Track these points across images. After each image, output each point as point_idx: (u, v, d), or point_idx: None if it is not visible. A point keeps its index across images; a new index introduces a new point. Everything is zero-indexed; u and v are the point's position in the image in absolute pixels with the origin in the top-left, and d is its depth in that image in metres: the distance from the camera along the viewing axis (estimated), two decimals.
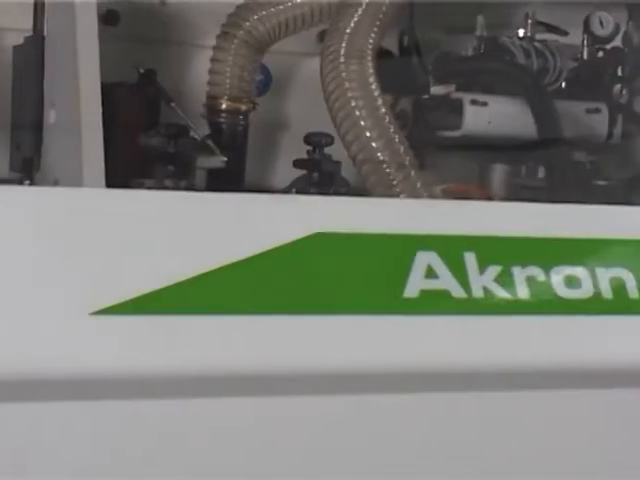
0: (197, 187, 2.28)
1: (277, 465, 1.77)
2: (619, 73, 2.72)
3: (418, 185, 2.21)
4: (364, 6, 2.33)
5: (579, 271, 1.90)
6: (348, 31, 2.32)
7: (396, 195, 2.19)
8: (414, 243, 1.81)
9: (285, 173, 2.58)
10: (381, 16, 2.32)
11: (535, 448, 1.91)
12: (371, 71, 2.27)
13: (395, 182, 2.21)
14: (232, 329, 1.68)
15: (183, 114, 2.43)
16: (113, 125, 2.35)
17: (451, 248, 1.83)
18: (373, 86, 2.26)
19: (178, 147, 2.28)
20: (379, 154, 2.22)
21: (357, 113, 2.23)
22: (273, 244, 1.72)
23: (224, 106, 2.44)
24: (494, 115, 2.51)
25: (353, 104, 2.24)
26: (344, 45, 2.30)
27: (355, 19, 2.33)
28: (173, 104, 2.43)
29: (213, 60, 2.44)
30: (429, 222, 1.85)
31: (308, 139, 2.41)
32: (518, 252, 1.88)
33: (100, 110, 2.03)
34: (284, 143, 2.71)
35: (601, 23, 2.65)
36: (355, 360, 1.75)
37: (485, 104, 2.51)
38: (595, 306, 1.90)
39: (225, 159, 2.39)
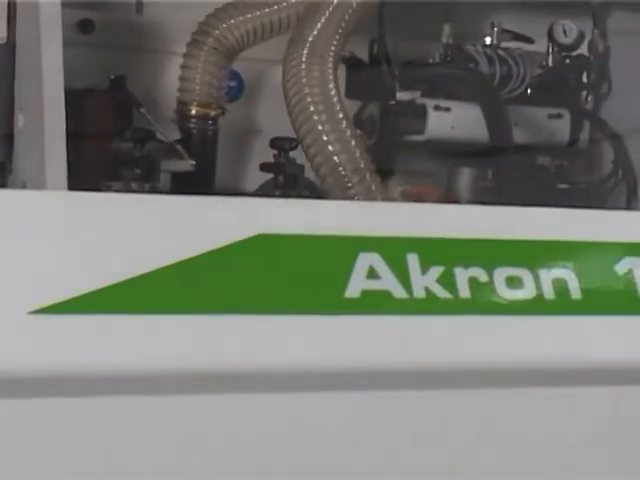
0: (162, 190, 2.24)
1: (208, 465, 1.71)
2: (583, 80, 2.66)
3: (373, 188, 2.15)
4: (327, 14, 2.28)
5: (522, 272, 1.84)
6: (310, 38, 2.26)
7: (351, 197, 2.13)
8: (356, 244, 1.75)
9: (257, 177, 2.54)
10: (343, 24, 2.27)
11: (473, 447, 1.85)
12: (331, 77, 2.22)
13: (350, 185, 2.15)
14: (170, 328, 1.63)
15: (152, 119, 2.37)
16: (84, 129, 2.34)
17: (394, 249, 1.77)
18: (333, 92, 2.20)
19: (144, 151, 2.24)
20: (335, 157, 2.16)
21: (315, 117, 2.17)
22: (214, 245, 1.67)
23: (194, 112, 2.39)
24: (457, 120, 2.46)
25: (312, 109, 2.18)
26: (306, 52, 2.25)
27: (318, 26, 2.27)
28: (143, 109, 2.37)
29: (183, 67, 2.39)
30: (372, 224, 1.78)
31: (274, 143, 2.36)
32: (461, 253, 1.81)
33: (63, 114, 1.98)
34: (257, 148, 2.65)
35: (564, 32, 2.59)
36: (296, 359, 1.70)
37: (448, 109, 2.46)
38: (537, 307, 1.84)
39: (193, 163, 2.34)
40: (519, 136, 2.52)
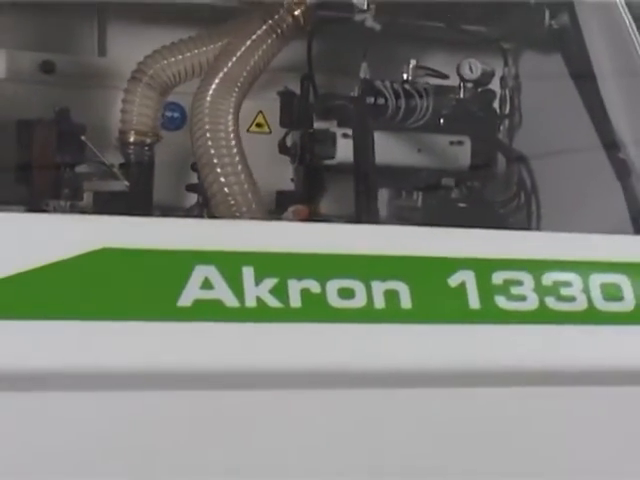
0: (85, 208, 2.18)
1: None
2: (495, 111, 2.51)
3: (258, 213, 2.05)
4: (237, 56, 2.19)
5: (354, 284, 1.71)
6: (220, 75, 2.17)
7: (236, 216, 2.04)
8: (194, 258, 1.65)
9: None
10: (250, 65, 2.19)
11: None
12: (231, 111, 2.14)
13: (237, 211, 2.07)
14: (16, 333, 1.54)
15: (92, 146, 2.30)
16: (32, 154, 2.28)
17: (230, 263, 1.67)
18: (230, 126, 2.14)
19: (73, 174, 2.18)
20: (226, 188, 2.10)
21: (212, 151, 2.12)
22: (62, 257, 1.58)
23: (132, 139, 2.32)
24: None
25: (210, 143, 2.13)
26: (212, 88, 2.16)
27: (228, 65, 2.19)
28: (83, 137, 2.30)
29: (123, 101, 2.33)
30: (211, 239, 1.68)
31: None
32: (296, 267, 1.70)
33: None
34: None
35: (470, 68, 2.44)
36: (129, 362, 1.59)
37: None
38: (366, 315, 1.70)
39: (127, 184, 2.27)
40: (423, 160, 2.39)
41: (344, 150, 2.33)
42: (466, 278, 1.79)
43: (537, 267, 1.84)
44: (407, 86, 2.39)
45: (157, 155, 2.36)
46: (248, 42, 2.22)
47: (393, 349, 1.72)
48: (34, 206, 2.24)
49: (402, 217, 2.49)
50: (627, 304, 1.86)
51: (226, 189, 2.08)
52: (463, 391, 1.76)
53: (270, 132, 2.54)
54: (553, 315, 1.82)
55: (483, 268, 1.81)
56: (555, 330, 1.82)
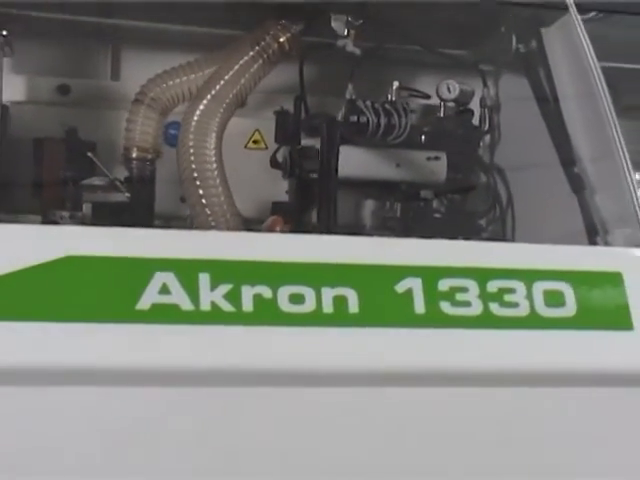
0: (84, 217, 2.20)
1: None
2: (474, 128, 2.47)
3: (228, 216, 2.06)
4: (223, 81, 2.19)
5: (305, 290, 1.70)
6: (208, 97, 2.17)
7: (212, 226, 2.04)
8: (154, 265, 1.66)
9: None
10: (235, 91, 2.20)
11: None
12: (215, 129, 2.14)
13: (213, 221, 2.08)
14: None
15: (97, 161, 2.32)
16: (43, 169, 2.31)
17: (188, 270, 1.67)
18: (212, 143, 2.14)
19: (76, 186, 2.21)
20: (203, 200, 2.11)
21: (193, 166, 2.13)
22: (28, 263, 1.59)
23: (134, 155, 2.33)
24: (344, 162, 2.28)
25: (192, 158, 2.14)
26: (201, 107, 2.16)
27: (216, 88, 2.19)
28: (89, 154, 2.32)
29: (127, 120, 2.34)
30: (171, 248, 1.68)
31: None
32: (251, 274, 1.69)
33: None
34: None
35: (448, 89, 2.40)
36: (89, 360, 1.60)
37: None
38: (315, 319, 1.69)
39: (128, 195, 2.28)
40: (402, 174, 2.36)
41: None
42: (413, 285, 1.76)
43: (483, 275, 1.80)
44: (387, 106, 2.36)
45: (158, 169, 2.38)
46: (236, 67, 2.23)
47: (340, 351, 1.70)
48: (45, 216, 2.29)
49: (382, 227, 2.47)
50: (568, 310, 1.82)
51: (204, 200, 2.09)
52: (406, 390, 1.74)
53: (266, 148, 2.54)
54: (496, 320, 1.78)
55: (430, 276, 1.78)
56: (497, 334, 1.78)
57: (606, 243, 2.00)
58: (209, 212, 2.06)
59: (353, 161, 2.31)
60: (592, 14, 2.18)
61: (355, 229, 2.45)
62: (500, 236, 2.44)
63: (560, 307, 1.82)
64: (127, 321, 1.61)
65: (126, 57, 2.60)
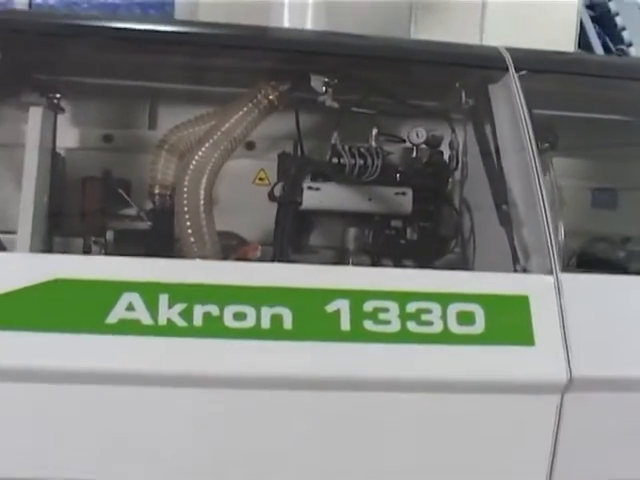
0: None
1: None
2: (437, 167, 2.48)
3: (208, 246, 2.13)
4: (223, 129, 2.27)
5: (247, 309, 1.77)
6: (207, 144, 2.25)
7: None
8: (123, 287, 1.76)
9: None
10: (230, 138, 2.27)
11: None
12: (208, 171, 2.21)
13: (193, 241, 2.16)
14: None
15: (127, 197, 2.43)
16: (83, 202, 2.42)
17: (150, 291, 1.77)
18: (204, 182, 2.20)
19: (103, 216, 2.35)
20: (190, 230, 2.18)
21: (184, 202, 2.19)
22: (27, 284, 1.71)
23: (157, 191, 2.41)
24: (325, 196, 2.35)
25: (185, 196, 2.21)
26: (202, 150, 2.23)
27: (215, 137, 2.26)
28: (120, 190, 2.43)
29: (152, 162, 2.43)
30: (139, 273, 1.77)
31: None
32: (202, 295, 1.78)
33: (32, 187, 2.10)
34: None
35: (417, 135, 2.42)
36: (65, 364, 1.71)
37: (318, 189, 2.37)
38: (255, 333, 1.77)
39: (150, 224, 2.38)
40: (374, 207, 2.39)
41: (309, 199, 2.37)
42: (341, 306, 1.81)
43: (404, 298, 1.85)
44: (362, 150, 2.41)
45: None
46: (232, 120, 2.30)
47: (275, 360, 1.77)
48: (84, 240, 2.42)
49: (361, 251, 2.50)
50: (477, 328, 1.84)
51: (190, 231, 2.16)
52: (330, 394, 1.79)
53: (270, 184, 2.60)
54: (412, 336, 1.82)
55: (357, 298, 1.83)
56: (413, 348, 1.81)
57: (524, 269, 2.00)
58: (193, 240, 2.15)
59: (333, 195, 2.38)
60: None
61: (339, 252, 2.50)
62: (462, 260, 2.45)
63: (470, 325, 1.84)
64: (98, 332, 1.73)
65: (162, 110, 2.70)
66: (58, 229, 2.41)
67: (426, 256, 2.41)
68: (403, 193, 2.42)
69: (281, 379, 1.75)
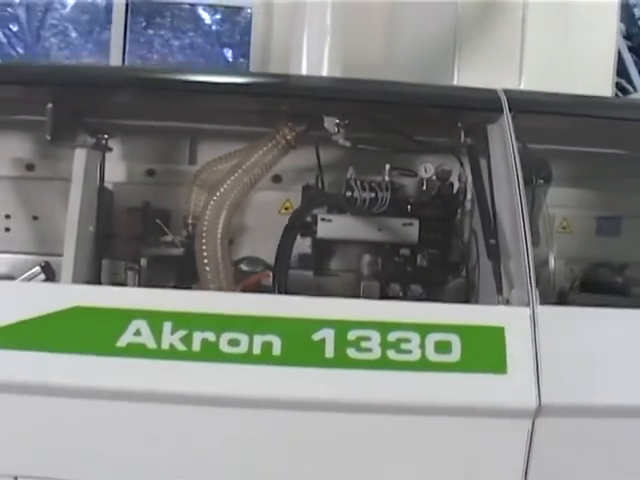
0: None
1: None
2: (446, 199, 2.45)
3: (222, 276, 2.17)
4: (244, 167, 2.30)
5: (240, 336, 1.81)
6: (229, 181, 2.29)
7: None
8: (131, 314, 1.83)
9: None
10: (251, 175, 2.29)
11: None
12: (227, 207, 2.25)
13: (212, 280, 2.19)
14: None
15: (162, 225, 2.50)
16: (127, 230, 2.50)
17: (156, 319, 1.83)
18: (222, 218, 2.23)
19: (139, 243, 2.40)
20: (205, 261, 2.20)
21: (203, 235, 2.22)
22: (49, 311, 1.78)
23: (189, 221, 2.49)
24: (337, 227, 2.38)
25: (204, 235, 2.23)
26: (224, 186, 2.27)
27: (237, 174, 2.30)
28: (157, 220, 2.50)
29: (185, 195, 2.51)
30: (147, 302, 1.83)
31: None
32: (201, 323, 1.83)
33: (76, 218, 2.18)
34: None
35: (425, 169, 2.41)
36: (80, 381, 1.77)
37: (330, 220, 2.39)
38: (247, 359, 1.80)
39: (183, 250, 2.43)
40: (383, 237, 2.40)
41: (322, 230, 2.40)
42: (327, 334, 1.83)
43: (385, 327, 1.85)
44: (373, 184, 2.41)
45: None
46: (252, 159, 2.33)
47: (265, 383, 1.80)
48: (126, 264, 2.49)
49: (374, 276, 2.50)
50: (454, 356, 1.82)
51: (205, 261, 2.20)
52: (317, 415, 1.80)
53: None
54: (391, 363, 1.83)
55: (342, 327, 1.85)
56: (392, 374, 1.81)
57: (507, 301, 1.96)
58: (208, 270, 2.19)
59: (345, 226, 2.40)
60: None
61: (354, 277, 2.51)
62: (466, 287, 2.42)
63: (447, 354, 1.83)
64: (109, 354, 1.80)
65: (201, 147, 2.77)
66: (105, 254, 2.49)
67: (432, 282, 2.41)
68: (410, 224, 2.42)
69: (270, 401, 1.79)
